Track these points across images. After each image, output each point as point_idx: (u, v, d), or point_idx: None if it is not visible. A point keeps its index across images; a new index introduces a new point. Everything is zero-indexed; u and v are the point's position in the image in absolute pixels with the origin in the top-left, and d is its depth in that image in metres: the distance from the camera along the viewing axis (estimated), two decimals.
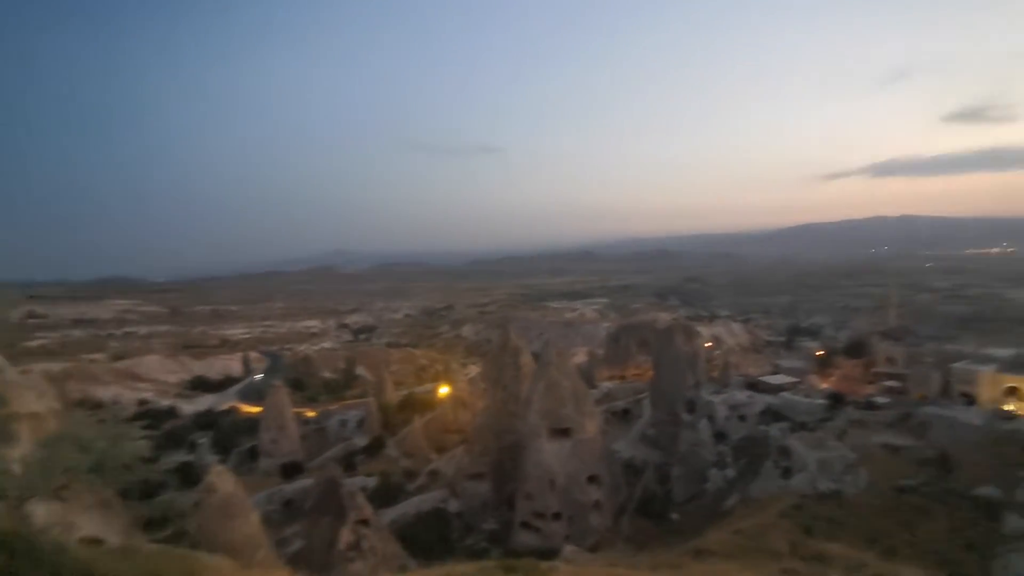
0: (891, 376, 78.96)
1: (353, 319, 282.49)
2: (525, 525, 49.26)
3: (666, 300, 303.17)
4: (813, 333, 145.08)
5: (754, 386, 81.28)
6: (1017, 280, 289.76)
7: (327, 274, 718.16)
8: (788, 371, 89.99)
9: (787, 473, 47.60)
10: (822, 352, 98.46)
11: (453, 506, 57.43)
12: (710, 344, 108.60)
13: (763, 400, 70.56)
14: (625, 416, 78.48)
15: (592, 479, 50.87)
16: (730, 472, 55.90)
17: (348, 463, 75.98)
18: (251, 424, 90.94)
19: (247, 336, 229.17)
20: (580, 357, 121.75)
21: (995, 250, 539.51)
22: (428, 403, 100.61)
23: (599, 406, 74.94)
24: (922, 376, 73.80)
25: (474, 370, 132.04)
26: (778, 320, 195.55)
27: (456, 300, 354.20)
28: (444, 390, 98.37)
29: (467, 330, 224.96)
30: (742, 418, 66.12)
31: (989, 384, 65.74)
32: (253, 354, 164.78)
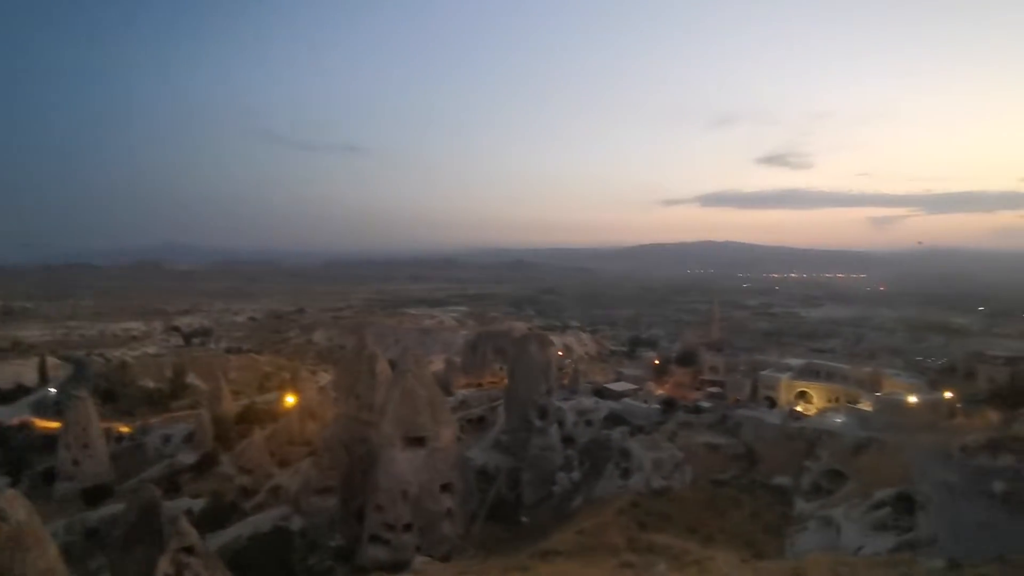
0: (713, 383, 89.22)
1: (185, 321, 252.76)
2: (375, 539, 47.44)
3: (522, 310, 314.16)
4: (652, 344, 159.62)
5: (600, 393, 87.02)
6: (809, 301, 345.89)
7: (154, 270, 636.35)
8: (629, 379, 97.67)
9: (626, 473, 51.45)
10: (658, 361, 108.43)
11: (296, 524, 53.59)
12: (561, 353, 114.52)
13: (607, 406, 75.74)
14: (480, 423, 79.50)
15: (445, 487, 50.56)
16: (576, 474, 59.05)
17: (171, 484, 67.74)
18: (48, 441, 77.34)
19: (46, 339, 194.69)
20: (438, 365, 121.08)
21: (793, 275, 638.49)
22: (272, 414, 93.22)
23: (455, 414, 75.00)
24: (737, 383, 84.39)
25: (325, 378, 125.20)
26: (622, 331, 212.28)
27: (308, 303, 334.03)
28: (291, 399, 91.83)
29: (319, 335, 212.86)
30: (589, 423, 70.38)
31: (786, 389, 77.04)
32: (52, 360, 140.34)
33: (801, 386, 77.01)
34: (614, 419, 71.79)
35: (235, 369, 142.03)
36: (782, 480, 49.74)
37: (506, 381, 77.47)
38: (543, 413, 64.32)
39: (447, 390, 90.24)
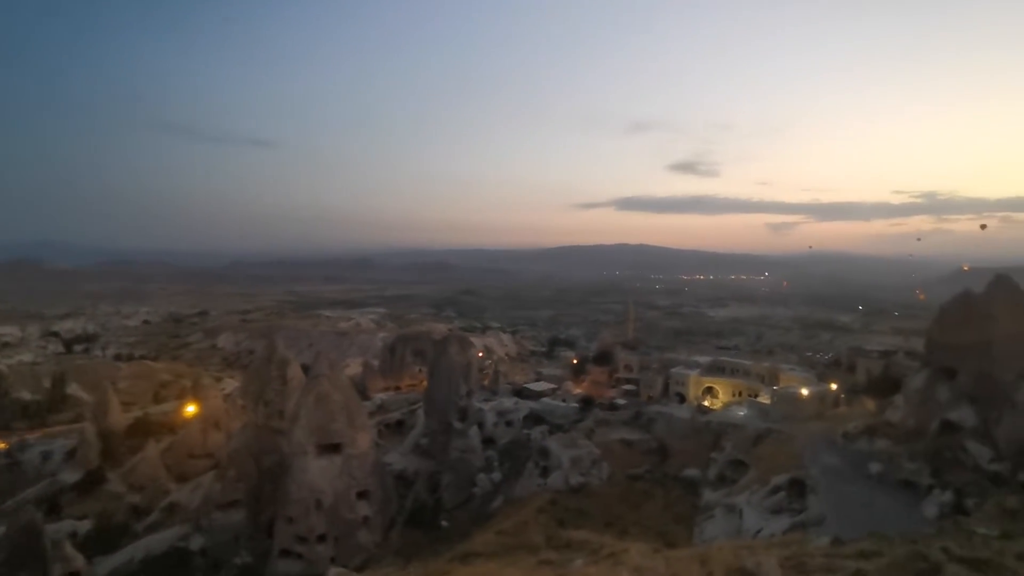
0: (628, 381, 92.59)
1: (66, 326, 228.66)
2: (285, 553, 45.08)
3: (442, 311, 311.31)
4: (570, 344, 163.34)
5: (520, 393, 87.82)
6: (716, 301, 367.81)
7: (30, 270, 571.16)
8: (549, 378, 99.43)
9: (545, 472, 52.09)
10: (576, 361, 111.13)
11: (196, 543, 49.82)
12: (482, 354, 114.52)
13: (527, 406, 76.53)
14: (399, 427, 77.75)
15: (362, 495, 48.97)
16: (497, 475, 59.11)
17: (52, 505, 61.03)
18: None
19: None
20: (355, 368, 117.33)
21: (701, 277, 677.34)
22: (169, 425, 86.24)
23: (373, 418, 72.98)
24: (650, 380, 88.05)
25: (231, 385, 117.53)
26: (542, 332, 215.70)
27: (212, 305, 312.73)
28: (191, 409, 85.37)
29: (224, 340, 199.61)
30: (509, 423, 70.72)
31: (694, 385, 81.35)
32: None
33: (708, 382, 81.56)
34: (534, 419, 72.63)
35: (126, 378, 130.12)
36: (691, 472, 52.33)
37: (426, 384, 76.32)
38: (463, 415, 63.93)
39: (364, 394, 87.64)
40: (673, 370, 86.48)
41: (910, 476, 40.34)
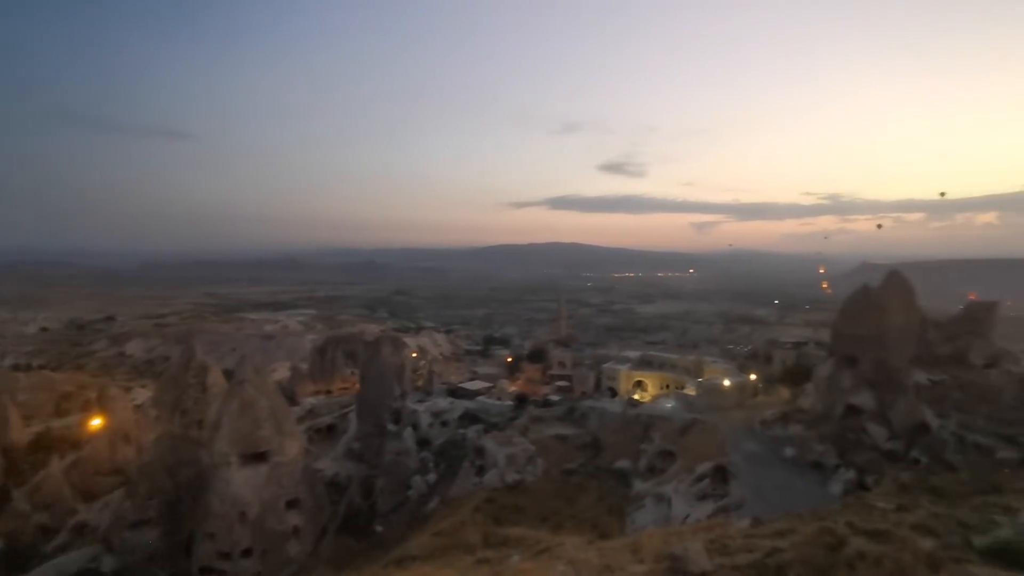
0: (562, 377, 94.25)
1: None
2: (206, 570, 42.64)
3: (375, 312, 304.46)
4: (505, 342, 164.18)
5: (455, 393, 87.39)
6: (644, 298, 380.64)
7: None
8: (484, 377, 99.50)
9: (481, 471, 52.11)
10: (511, 359, 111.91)
11: (108, 564, 46.31)
12: (416, 354, 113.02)
13: (462, 405, 76.25)
14: (330, 432, 75.36)
15: (291, 504, 47.09)
16: (432, 477, 58.52)
17: None
18: None
19: None
20: (282, 373, 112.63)
21: (629, 274, 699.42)
22: (72, 440, 79.32)
23: (302, 424, 70.36)
24: (582, 376, 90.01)
25: (144, 395, 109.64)
26: (476, 331, 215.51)
27: (120, 310, 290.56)
28: (97, 422, 79.00)
29: (134, 346, 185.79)
30: (444, 424, 70.19)
31: (625, 379, 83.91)
32: None
33: (638, 376, 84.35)
34: (469, 418, 72.46)
35: (25, 390, 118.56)
36: (623, 464, 53.91)
37: (358, 386, 74.40)
38: (397, 417, 62.86)
39: (293, 399, 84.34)
40: (605, 366, 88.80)
41: (819, 457, 43.46)
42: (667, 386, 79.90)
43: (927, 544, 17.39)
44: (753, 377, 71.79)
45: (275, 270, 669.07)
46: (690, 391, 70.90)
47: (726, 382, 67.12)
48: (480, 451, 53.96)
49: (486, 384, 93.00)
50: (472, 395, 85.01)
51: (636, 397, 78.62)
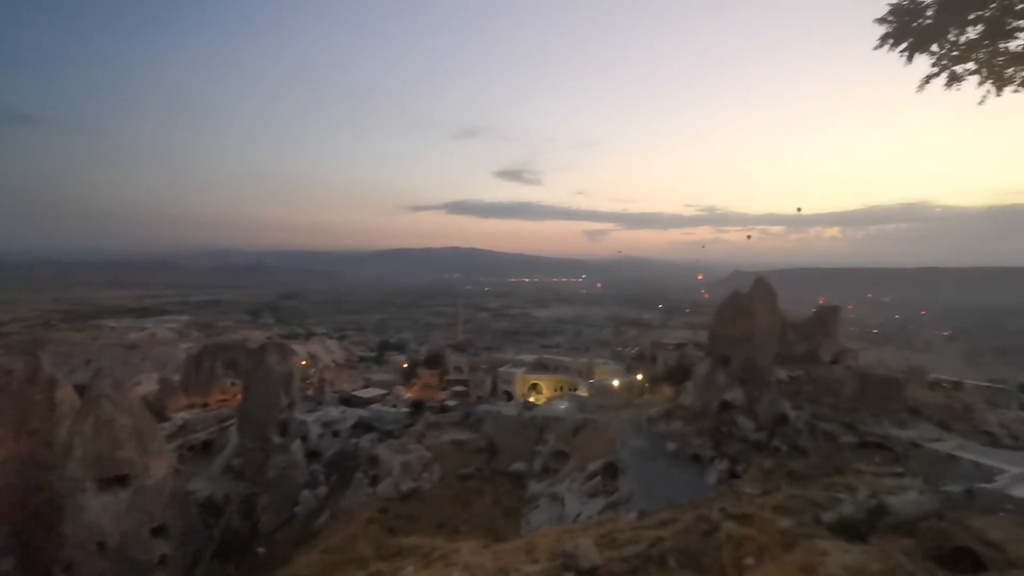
0: (459, 382, 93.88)
1: None
2: None
3: (260, 317, 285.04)
4: (401, 347, 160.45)
5: (348, 401, 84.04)
6: (539, 303, 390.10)
7: None
8: (378, 384, 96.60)
9: (375, 480, 50.48)
10: (407, 365, 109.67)
11: None
12: (305, 362, 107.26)
13: (356, 414, 73.52)
14: (206, 449, 69.33)
15: (158, 531, 42.69)
16: (322, 490, 55.78)
17: None
18: None
19: None
20: (149, 386, 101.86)
21: (526, 279, 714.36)
22: None
23: (172, 441, 64.14)
24: (479, 380, 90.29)
25: None
26: (371, 336, 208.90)
27: None
28: None
29: None
30: (336, 434, 67.22)
31: (521, 383, 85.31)
32: None
33: (533, 379, 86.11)
34: (363, 426, 70.04)
35: None
36: (519, 466, 54.68)
37: (239, 398, 69.19)
38: (284, 429, 59.21)
39: (162, 415, 76.58)
40: (501, 369, 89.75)
41: (698, 450, 46.84)
42: (561, 388, 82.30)
43: (785, 523, 19.28)
44: (640, 377, 75.96)
45: (142, 272, 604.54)
46: (583, 392, 73.53)
47: (615, 382, 70.39)
48: (374, 460, 52.27)
49: (381, 391, 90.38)
50: (366, 403, 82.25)
51: (531, 400, 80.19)
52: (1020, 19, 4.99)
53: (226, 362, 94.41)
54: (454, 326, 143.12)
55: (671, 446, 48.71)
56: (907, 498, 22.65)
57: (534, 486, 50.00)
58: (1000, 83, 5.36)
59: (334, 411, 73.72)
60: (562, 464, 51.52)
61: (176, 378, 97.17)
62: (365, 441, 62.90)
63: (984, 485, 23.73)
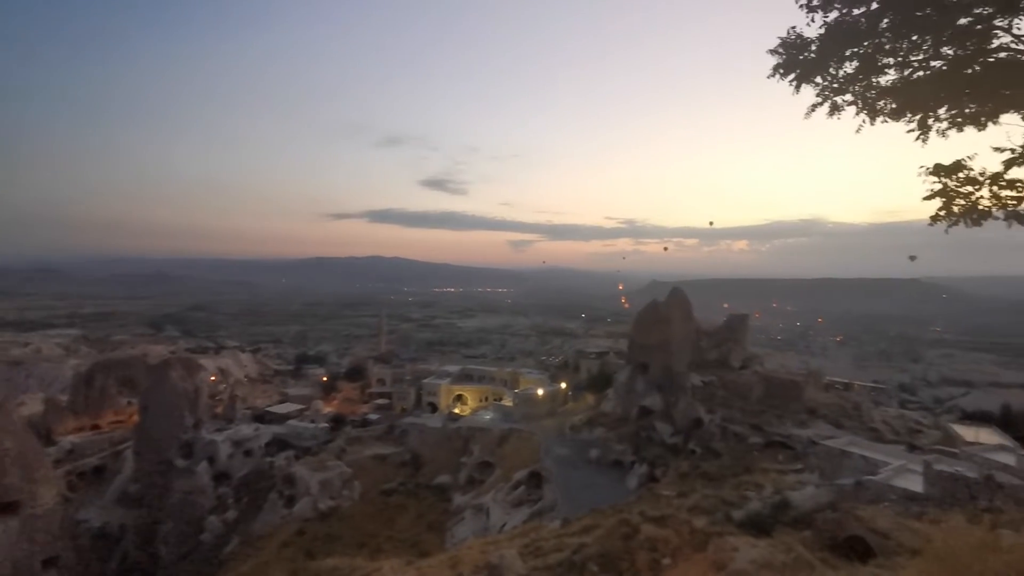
0: (381, 395, 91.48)
1: None
2: None
3: (163, 330, 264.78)
4: (320, 360, 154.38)
5: (262, 418, 79.65)
6: (464, 313, 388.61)
7: None
8: (296, 399, 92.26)
9: (291, 501, 48.04)
10: (326, 378, 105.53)
11: None
12: (215, 377, 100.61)
13: (270, 431, 69.78)
14: (98, 475, 63.30)
15: (49, 563, 38.47)
16: (231, 514, 52.35)
17: None
18: None
19: None
20: (34, 406, 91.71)
21: (451, 289, 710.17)
22: None
23: (61, 467, 58.10)
24: (403, 392, 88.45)
25: None
26: (288, 349, 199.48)
27: None
28: None
29: None
30: (248, 453, 63.41)
31: (445, 394, 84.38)
32: None
33: (458, 390, 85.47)
34: (278, 444, 66.63)
35: None
36: (443, 479, 53.92)
37: (137, 418, 63.85)
38: (188, 450, 55.21)
39: (48, 438, 69.21)
40: (425, 381, 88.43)
41: (619, 456, 48.18)
42: (486, 398, 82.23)
43: (699, 523, 20.19)
44: (564, 386, 77.33)
45: (22, 281, 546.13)
46: (507, 402, 73.80)
47: (540, 392, 71.23)
48: (290, 479, 49.75)
49: (298, 406, 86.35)
50: (282, 419, 78.33)
51: (456, 411, 79.52)
52: (889, 57, 5.58)
53: (121, 380, 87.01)
54: (377, 337, 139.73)
55: (594, 453, 49.80)
56: (806, 492, 24.43)
57: (459, 498, 49.46)
58: (872, 114, 5.97)
59: (246, 429, 69.48)
60: (487, 475, 51.34)
61: (63, 398, 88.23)
62: (280, 459, 59.69)
63: (871, 477, 26.00)
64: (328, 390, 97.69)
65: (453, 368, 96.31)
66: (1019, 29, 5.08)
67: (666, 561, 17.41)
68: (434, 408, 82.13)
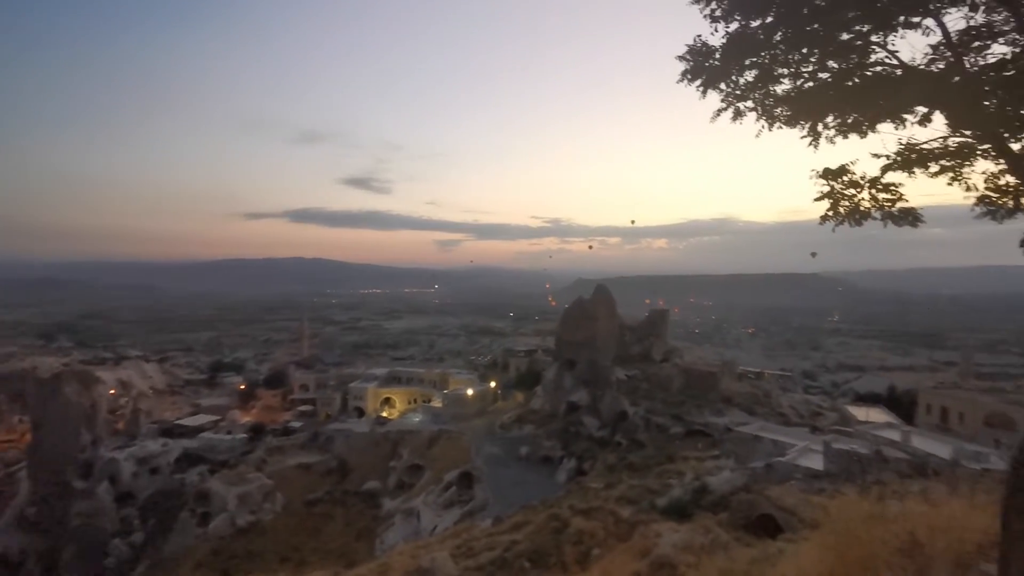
0: (305, 401, 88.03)
1: None
2: None
3: (54, 341, 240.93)
4: (237, 368, 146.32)
5: (170, 432, 74.48)
6: (391, 314, 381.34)
7: None
8: (210, 410, 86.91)
9: (206, 518, 45.25)
10: (244, 386, 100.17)
11: None
12: (115, 391, 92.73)
13: (180, 445, 65.48)
14: None
15: None
16: (138, 536, 48.68)
17: None
18: None
19: None
20: None
21: (377, 290, 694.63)
22: None
23: None
24: (327, 398, 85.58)
25: None
26: (201, 357, 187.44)
27: None
28: None
29: None
30: (154, 471, 59.15)
31: (372, 398, 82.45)
32: None
33: (386, 393, 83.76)
34: (190, 459, 62.55)
35: None
36: (372, 484, 52.63)
37: (28, 437, 57.93)
38: (87, 470, 50.71)
39: None
40: (351, 385, 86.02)
41: (548, 452, 49.02)
42: (415, 400, 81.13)
43: (626, 512, 20.92)
44: (493, 385, 77.61)
45: None
46: (437, 403, 73.17)
47: (470, 391, 71.12)
48: (204, 496, 46.82)
49: (212, 418, 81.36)
50: (194, 432, 73.57)
51: (384, 414, 77.93)
52: (783, 67, 6.07)
53: (9, 396, 78.88)
54: (299, 341, 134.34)
55: (524, 450, 50.36)
56: (723, 477, 25.88)
57: (388, 503, 48.47)
58: (770, 120, 6.47)
59: (152, 445, 64.70)
60: (418, 478, 50.65)
61: None
62: (193, 475, 56.14)
63: (779, 459, 27.96)
64: (246, 399, 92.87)
65: (380, 371, 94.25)
66: (893, 46, 5.66)
67: (595, 552, 17.90)
68: (361, 413, 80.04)
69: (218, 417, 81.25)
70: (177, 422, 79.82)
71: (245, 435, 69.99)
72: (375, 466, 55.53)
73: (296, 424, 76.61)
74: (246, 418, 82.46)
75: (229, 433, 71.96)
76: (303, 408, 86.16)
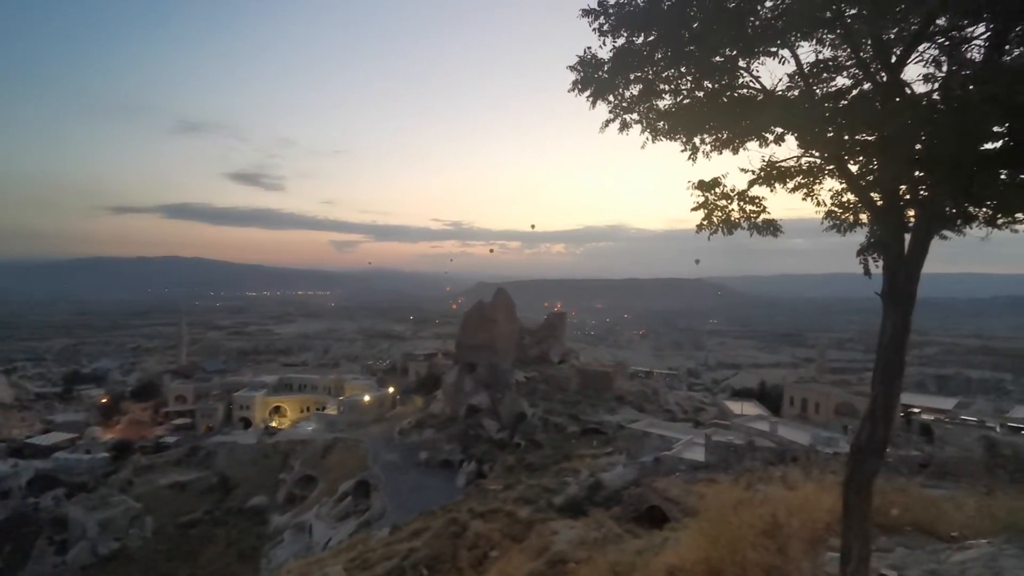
0: (181, 413, 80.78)
1: None
2: None
3: None
4: (98, 379, 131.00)
5: (19, 451, 65.25)
6: (282, 318, 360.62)
7: None
8: (65, 426, 77.07)
9: (64, 547, 40.23)
10: (107, 399, 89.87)
11: None
12: None
13: (31, 467, 57.62)
14: None
15: None
16: None
17: None
18: None
19: None
20: None
21: (267, 293, 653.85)
22: None
23: None
24: (208, 409, 79.16)
25: None
26: (54, 368, 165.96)
27: None
28: None
29: None
30: (4, 494, 51.58)
31: (261, 407, 77.50)
32: None
33: (276, 401, 79.07)
34: (44, 481, 55.14)
35: None
36: (258, 500, 49.38)
37: None
38: None
39: None
40: (237, 394, 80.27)
41: (448, 456, 48.67)
42: (308, 408, 77.36)
43: (524, 512, 21.26)
44: (392, 389, 75.81)
45: None
46: (332, 410, 70.24)
47: (367, 397, 68.98)
48: (60, 522, 41.55)
49: (68, 435, 72.15)
50: (47, 452, 64.94)
51: (274, 424, 73.50)
52: (664, 84, 6.51)
53: None
54: (176, 348, 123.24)
55: (423, 455, 49.64)
56: (615, 472, 27.11)
57: (277, 519, 45.75)
58: (654, 133, 6.90)
59: (1, 466, 56.37)
60: (310, 490, 48.27)
61: None
62: (48, 499, 49.54)
63: (666, 453, 29.79)
64: (109, 413, 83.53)
65: (270, 378, 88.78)
66: (756, 72, 6.26)
67: (493, 554, 18.00)
68: (247, 423, 74.86)
69: (75, 435, 72.29)
70: (27, 441, 70.19)
71: (107, 454, 62.87)
72: (262, 480, 52.21)
73: (171, 439, 70.06)
74: (109, 435, 74.00)
75: (88, 452, 64.19)
76: (180, 421, 79.04)
